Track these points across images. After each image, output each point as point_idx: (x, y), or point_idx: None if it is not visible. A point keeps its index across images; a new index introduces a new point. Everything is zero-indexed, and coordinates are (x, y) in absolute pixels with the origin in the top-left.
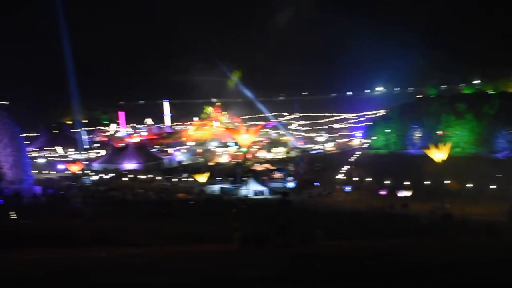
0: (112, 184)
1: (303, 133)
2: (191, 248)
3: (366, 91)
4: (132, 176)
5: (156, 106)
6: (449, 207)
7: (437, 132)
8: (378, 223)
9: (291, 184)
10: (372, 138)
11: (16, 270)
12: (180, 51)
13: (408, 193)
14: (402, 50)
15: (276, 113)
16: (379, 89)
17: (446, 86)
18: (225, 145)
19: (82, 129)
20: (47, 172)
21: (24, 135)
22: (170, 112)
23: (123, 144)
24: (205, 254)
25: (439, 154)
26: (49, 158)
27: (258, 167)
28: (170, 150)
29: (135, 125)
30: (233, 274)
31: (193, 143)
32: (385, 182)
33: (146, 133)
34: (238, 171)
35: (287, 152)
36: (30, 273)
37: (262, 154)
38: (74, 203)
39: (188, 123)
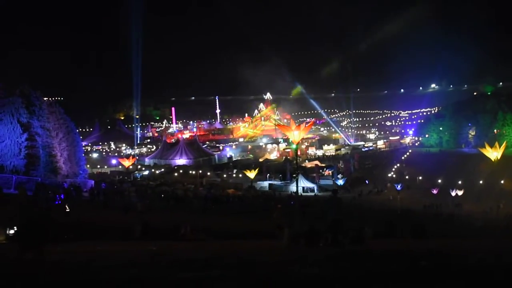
0: (163, 179)
1: (354, 130)
2: (240, 243)
3: (420, 88)
4: (182, 171)
5: (207, 103)
6: (503, 207)
7: (492, 130)
8: (429, 222)
9: (341, 182)
10: (425, 135)
11: (72, 261)
12: (231, 49)
13: (460, 192)
14: (457, 47)
15: (328, 110)
16: (433, 86)
17: (502, 83)
18: (275, 141)
19: (135, 124)
20: (100, 166)
21: (78, 130)
22: (220, 109)
23: (174, 140)
24: (254, 250)
25: (494, 153)
26: (102, 153)
27: (308, 164)
28: (220, 146)
29: (186, 120)
30: (283, 271)
31: (243, 139)
32: (437, 180)
33: (196, 129)
34: (288, 167)
35: (338, 149)
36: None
37: (312, 151)
38: (128, 197)
39: (239, 119)
